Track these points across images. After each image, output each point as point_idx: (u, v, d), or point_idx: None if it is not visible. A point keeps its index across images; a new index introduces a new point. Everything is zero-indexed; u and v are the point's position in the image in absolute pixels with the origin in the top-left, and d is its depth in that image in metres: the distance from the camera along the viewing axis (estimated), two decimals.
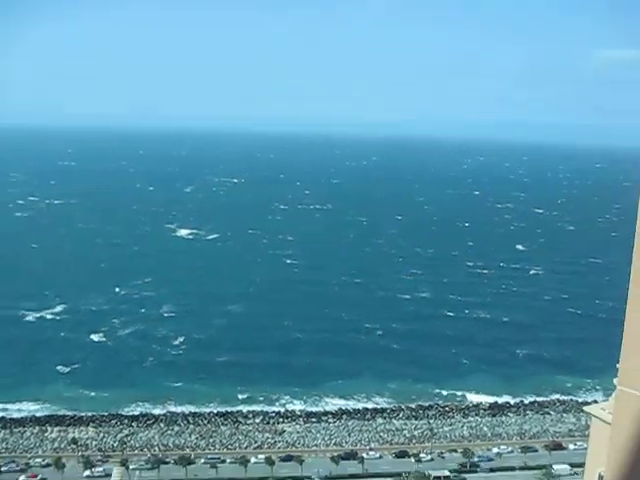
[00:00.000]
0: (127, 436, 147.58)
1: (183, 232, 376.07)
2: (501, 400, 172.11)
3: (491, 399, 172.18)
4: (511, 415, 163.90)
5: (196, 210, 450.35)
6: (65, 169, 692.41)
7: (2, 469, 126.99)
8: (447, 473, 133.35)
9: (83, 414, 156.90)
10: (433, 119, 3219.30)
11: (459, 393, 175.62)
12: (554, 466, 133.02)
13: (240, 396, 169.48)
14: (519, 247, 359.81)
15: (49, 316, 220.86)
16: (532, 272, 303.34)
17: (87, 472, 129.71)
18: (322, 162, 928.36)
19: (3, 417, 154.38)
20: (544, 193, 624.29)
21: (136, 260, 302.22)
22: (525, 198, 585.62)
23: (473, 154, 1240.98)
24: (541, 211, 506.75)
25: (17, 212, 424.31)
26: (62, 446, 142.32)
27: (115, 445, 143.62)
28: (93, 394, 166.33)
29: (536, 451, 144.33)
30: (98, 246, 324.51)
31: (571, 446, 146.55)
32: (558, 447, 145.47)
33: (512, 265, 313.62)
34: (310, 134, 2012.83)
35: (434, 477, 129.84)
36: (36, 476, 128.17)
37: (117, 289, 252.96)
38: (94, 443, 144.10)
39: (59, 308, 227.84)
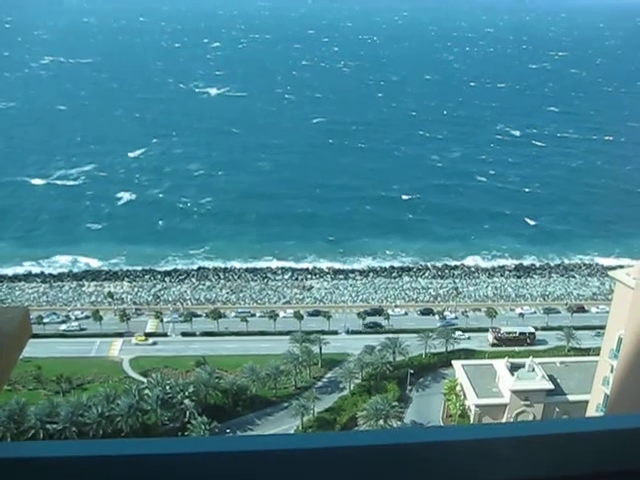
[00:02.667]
0: (160, 290, 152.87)
1: (210, 90, 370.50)
2: (527, 262, 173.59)
3: (517, 261, 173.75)
4: (536, 277, 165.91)
5: (223, 67, 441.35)
6: (87, 26, 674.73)
7: (44, 320, 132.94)
8: (532, 330, 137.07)
9: (118, 269, 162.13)
10: None
11: (485, 254, 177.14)
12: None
13: (269, 253, 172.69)
14: (553, 109, 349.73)
15: (80, 175, 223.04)
16: (565, 135, 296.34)
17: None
18: (349, 18, 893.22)
19: (42, 272, 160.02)
20: (584, 52, 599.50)
21: (163, 117, 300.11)
22: (563, 57, 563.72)
23: (513, 11, 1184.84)
24: (578, 72, 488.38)
25: (42, 71, 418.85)
26: (99, 300, 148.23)
27: (149, 299, 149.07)
28: (126, 250, 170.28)
29: (559, 313, 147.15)
30: (124, 105, 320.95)
31: (593, 309, 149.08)
32: (580, 310, 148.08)
33: (544, 127, 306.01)
34: None
35: (519, 333, 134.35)
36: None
37: (144, 147, 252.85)
38: (129, 297, 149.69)
39: (88, 167, 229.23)
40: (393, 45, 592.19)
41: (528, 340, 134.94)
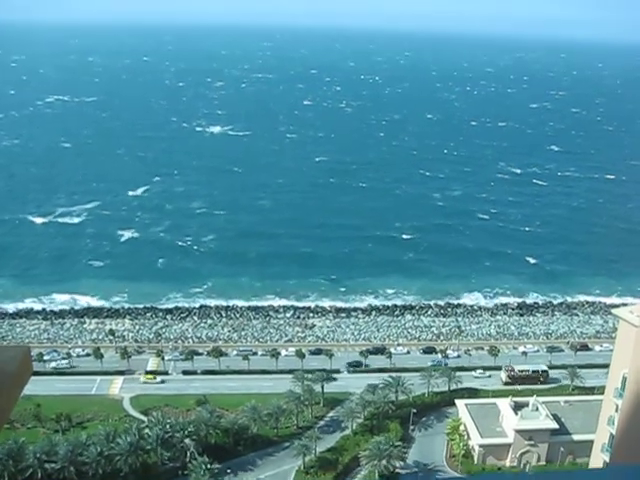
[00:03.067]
0: (162, 328, 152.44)
1: (212, 128, 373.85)
2: (529, 300, 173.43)
3: (519, 299, 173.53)
4: (539, 315, 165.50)
5: (226, 106, 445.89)
6: (92, 65, 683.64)
7: (45, 358, 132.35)
8: (544, 368, 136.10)
9: (119, 307, 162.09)
10: (464, 12, 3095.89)
11: (488, 292, 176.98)
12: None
13: (271, 291, 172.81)
14: (553, 148, 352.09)
15: (81, 213, 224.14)
16: (566, 174, 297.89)
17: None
18: (351, 57, 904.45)
19: (44, 309, 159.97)
20: (583, 91, 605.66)
21: (165, 155, 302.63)
22: (563, 96, 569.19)
23: (514, 50, 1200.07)
24: (578, 110, 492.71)
25: (47, 109, 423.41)
26: (100, 337, 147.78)
27: (150, 337, 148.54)
28: (127, 288, 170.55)
29: (562, 351, 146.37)
30: (126, 143, 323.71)
31: (597, 347, 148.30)
32: (584, 348, 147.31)
33: (545, 166, 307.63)
34: (324, 27, 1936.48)
35: (532, 371, 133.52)
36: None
37: (146, 185, 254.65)
38: (130, 335, 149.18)
39: (90, 205, 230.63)
40: (395, 84, 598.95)
41: (541, 378, 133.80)
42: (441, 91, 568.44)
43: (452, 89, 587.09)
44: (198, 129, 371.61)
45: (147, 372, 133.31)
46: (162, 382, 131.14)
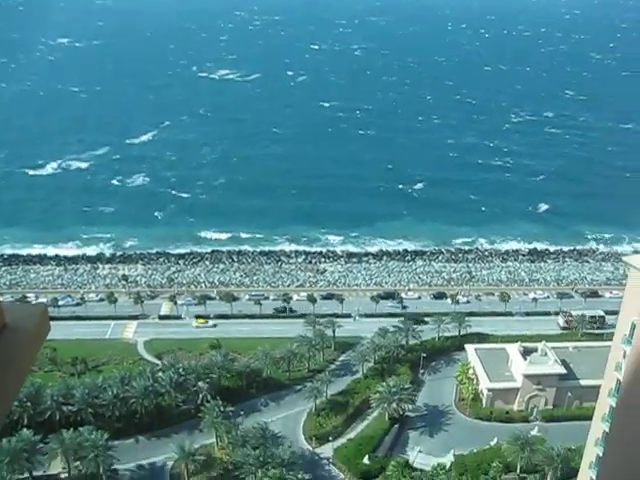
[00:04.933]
0: (174, 273, 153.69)
1: (221, 72, 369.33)
2: (540, 247, 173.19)
3: (530, 246, 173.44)
4: (549, 262, 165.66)
5: (235, 50, 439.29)
6: (101, 8, 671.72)
7: (60, 303, 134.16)
8: (602, 313, 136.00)
9: (132, 252, 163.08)
10: None
11: (500, 239, 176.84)
12: None
13: (282, 236, 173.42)
14: (568, 93, 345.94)
15: (91, 159, 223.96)
16: (581, 120, 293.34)
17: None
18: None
19: (57, 255, 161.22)
20: (599, 35, 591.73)
21: (173, 101, 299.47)
22: (579, 40, 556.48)
23: None
24: (595, 55, 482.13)
25: (50, 56, 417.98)
26: (113, 282, 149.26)
27: (163, 282, 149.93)
28: (139, 234, 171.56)
29: (572, 297, 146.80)
30: (134, 88, 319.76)
31: (607, 294, 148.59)
32: (594, 294, 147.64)
33: (560, 113, 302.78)
34: None
35: (589, 316, 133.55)
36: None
37: (155, 131, 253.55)
38: (143, 280, 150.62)
39: (100, 151, 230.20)
40: (406, 26, 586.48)
41: (598, 324, 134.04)
42: (453, 34, 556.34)
43: (464, 32, 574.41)
44: (207, 74, 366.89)
45: (198, 316, 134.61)
46: (214, 326, 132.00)
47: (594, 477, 65.66)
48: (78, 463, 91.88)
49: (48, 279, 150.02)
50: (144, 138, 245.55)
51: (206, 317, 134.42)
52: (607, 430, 67.20)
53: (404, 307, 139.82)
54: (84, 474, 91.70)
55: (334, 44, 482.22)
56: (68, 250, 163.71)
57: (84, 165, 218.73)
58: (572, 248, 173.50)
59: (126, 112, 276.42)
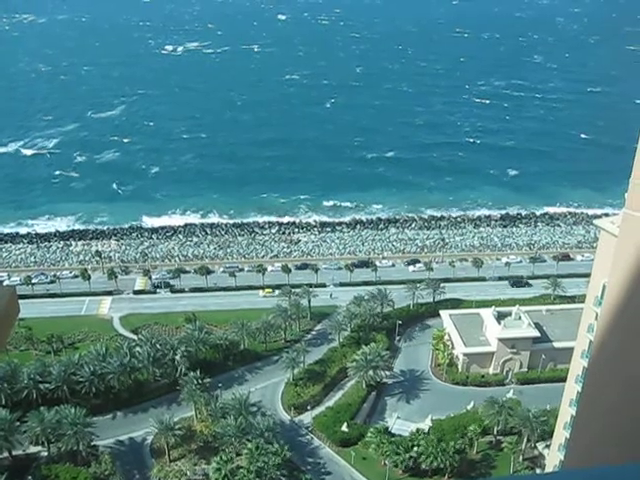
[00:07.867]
0: (148, 248, 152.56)
1: (189, 45, 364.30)
2: (512, 212, 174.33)
3: (502, 211, 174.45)
4: (521, 226, 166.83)
5: (203, 21, 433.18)
6: None
7: (33, 281, 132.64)
8: None
9: (104, 228, 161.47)
10: None
11: (471, 204, 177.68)
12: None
13: (255, 207, 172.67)
14: (536, 59, 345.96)
15: (59, 136, 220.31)
16: (550, 85, 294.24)
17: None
18: None
19: (29, 233, 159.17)
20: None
21: (141, 75, 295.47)
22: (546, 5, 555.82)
23: None
24: (562, 20, 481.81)
25: (14, 32, 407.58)
26: (87, 258, 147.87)
27: (137, 257, 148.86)
28: (110, 209, 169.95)
29: (544, 261, 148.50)
30: (101, 63, 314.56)
31: (579, 257, 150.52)
32: (566, 258, 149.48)
33: (528, 78, 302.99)
34: None
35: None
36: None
37: (123, 106, 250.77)
38: (117, 255, 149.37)
39: (68, 127, 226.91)
40: None
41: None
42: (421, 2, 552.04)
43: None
44: (174, 46, 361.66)
45: (263, 287, 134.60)
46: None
47: (569, 437, 66.99)
48: (57, 441, 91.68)
49: (20, 257, 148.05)
50: (111, 113, 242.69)
51: (270, 287, 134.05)
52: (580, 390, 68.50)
53: (378, 276, 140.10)
54: (63, 451, 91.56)
55: (300, 14, 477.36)
56: (40, 228, 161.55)
57: (51, 142, 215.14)
58: (544, 212, 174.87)
59: (92, 88, 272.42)
